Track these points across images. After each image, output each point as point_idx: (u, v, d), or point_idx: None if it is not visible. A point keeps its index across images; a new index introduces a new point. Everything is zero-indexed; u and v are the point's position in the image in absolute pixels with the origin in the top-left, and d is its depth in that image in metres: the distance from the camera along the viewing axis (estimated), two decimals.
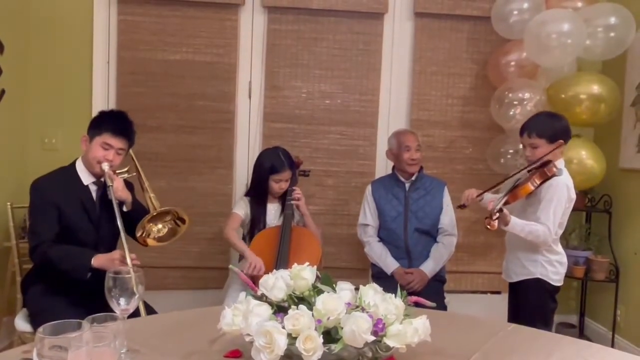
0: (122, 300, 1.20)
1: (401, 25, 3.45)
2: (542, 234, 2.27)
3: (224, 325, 1.18)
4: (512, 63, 3.14)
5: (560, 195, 2.29)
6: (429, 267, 2.78)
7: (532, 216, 2.32)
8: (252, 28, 3.38)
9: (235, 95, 3.39)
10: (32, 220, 2.17)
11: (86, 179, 2.20)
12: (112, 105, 3.25)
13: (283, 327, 1.05)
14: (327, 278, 1.21)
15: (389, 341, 1.09)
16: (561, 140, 2.32)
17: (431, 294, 2.34)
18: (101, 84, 3.29)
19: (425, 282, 2.75)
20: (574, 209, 2.49)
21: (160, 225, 2.25)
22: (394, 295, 1.17)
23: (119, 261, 1.97)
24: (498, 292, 3.50)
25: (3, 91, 2.89)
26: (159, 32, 3.30)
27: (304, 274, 1.18)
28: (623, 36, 2.88)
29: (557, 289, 2.41)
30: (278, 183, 2.67)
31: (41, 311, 2.08)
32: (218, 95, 3.37)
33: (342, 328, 1.06)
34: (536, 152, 2.32)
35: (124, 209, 2.19)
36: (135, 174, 2.34)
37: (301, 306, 1.09)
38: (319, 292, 1.15)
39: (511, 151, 3.16)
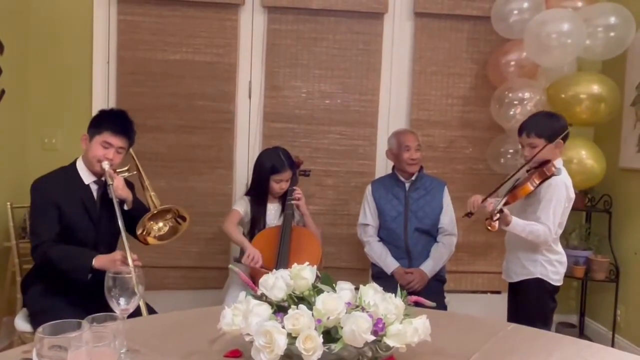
0: (122, 300, 1.21)
1: (401, 25, 3.45)
2: (543, 234, 2.27)
3: (224, 325, 1.18)
4: (512, 63, 3.14)
5: (559, 195, 2.29)
6: (429, 267, 2.78)
7: (532, 216, 2.32)
8: (252, 28, 3.38)
9: (235, 95, 3.39)
10: (32, 220, 2.17)
11: (87, 178, 2.20)
12: (112, 105, 3.25)
13: (283, 327, 1.05)
14: (327, 278, 1.21)
15: (389, 341, 1.09)
16: (560, 140, 2.32)
17: (431, 293, 2.34)
18: (101, 83, 3.30)
19: (425, 282, 2.75)
20: (574, 209, 2.49)
21: (161, 224, 2.25)
22: (394, 295, 1.17)
23: (121, 262, 1.97)
24: (498, 292, 3.50)
25: (3, 91, 2.89)
26: (159, 32, 3.30)
27: (304, 273, 1.18)
28: (623, 36, 2.88)
29: (557, 288, 2.41)
30: (279, 183, 2.67)
31: (41, 311, 2.08)
32: (218, 95, 3.37)
33: (342, 328, 1.06)
34: (535, 152, 2.32)
35: (125, 207, 2.19)
36: (135, 172, 2.34)
37: (301, 306, 1.09)
38: (319, 291, 1.15)
39: (511, 151, 3.16)
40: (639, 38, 2.97)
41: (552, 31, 2.82)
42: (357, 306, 1.12)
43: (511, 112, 3.04)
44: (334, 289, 1.18)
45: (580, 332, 3.48)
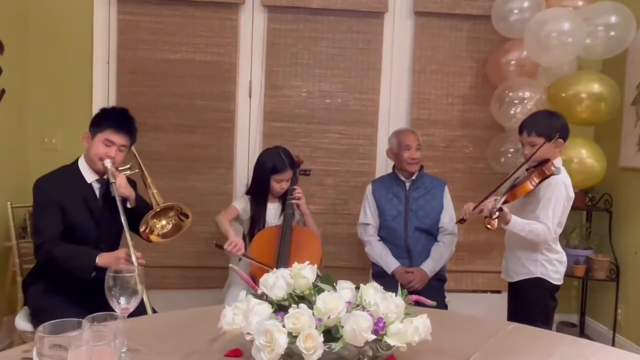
0: (122, 300, 1.20)
1: (401, 24, 3.45)
2: (542, 233, 2.27)
3: (224, 324, 1.18)
4: (513, 62, 3.14)
5: (558, 194, 2.28)
6: (429, 267, 2.78)
7: (531, 215, 2.32)
8: (252, 27, 3.38)
9: (235, 95, 3.39)
10: (35, 219, 2.17)
11: (89, 177, 2.20)
12: (112, 105, 3.25)
13: (283, 326, 1.05)
14: (327, 277, 1.21)
15: (389, 340, 1.09)
16: (560, 139, 2.32)
17: (432, 293, 2.34)
18: (101, 83, 3.30)
19: (426, 282, 2.75)
20: (575, 208, 2.49)
21: (164, 222, 2.25)
22: (394, 294, 1.17)
23: (124, 259, 1.97)
24: (498, 292, 3.50)
25: (3, 91, 2.89)
26: (159, 32, 3.30)
27: (305, 272, 1.17)
28: (623, 35, 2.87)
29: (557, 287, 2.41)
30: (279, 183, 2.67)
31: (42, 309, 2.09)
32: (218, 94, 3.37)
33: (342, 327, 1.06)
34: (534, 150, 2.32)
35: (128, 205, 2.19)
36: (137, 170, 2.34)
37: (302, 305, 1.08)
38: (320, 290, 1.15)
39: (511, 150, 3.16)
40: (639, 37, 2.97)
41: (552, 30, 2.82)
42: (358, 305, 1.12)
43: (511, 112, 3.04)
44: (334, 288, 1.17)
45: (581, 331, 3.48)
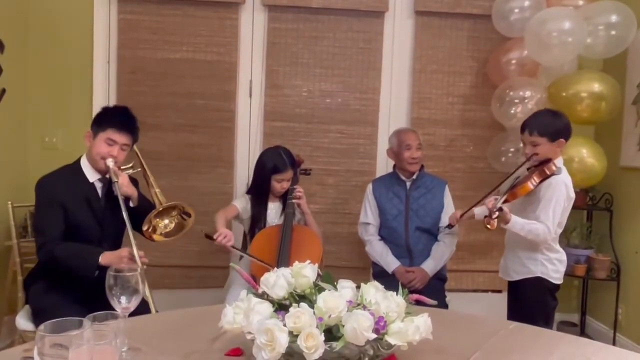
0: (123, 299, 1.21)
1: (401, 24, 3.44)
2: (542, 233, 2.27)
3: (225, 323, 1.18)
4: (513, 61, 3.14)
5: (559, 194, 2.28)
6: (430, 266, 2.78)
7: (531, 215, 2.32)
8: (252, 27, 3.38)
9: (236, 94, 3.39)
10: (38, 218, 2.16)
11: (91, 176, 2.20)
12: (112, 104, 3.24)
13: (284, 325, 1.05)
14: (328, 276, 1.21)
15: (390, 339, 1.09)
16: (562, 139, 2.31)
17: (432, 292, 2.33)
18: (101, 82, 3.30)
19: (426, 281, 2.75)
20: (575, 208, 2.49)
21: (167, 221, 2.25)
22: (395, 293, 1.17)
23: (128, 259, 1.97)
24: (499, 291, 3.49)
25: (4, 90, 2.89)
26: (159, 31, 3.30)
27: (305, 271, 1.17)
28: (624, 34, 2.87)
29: (557, 287, 2.41)
30: (280, 183, 2.66)
31: (43, 309, 2.09)
32: (218, 94, 3.37)
33: (343, 326, 1.06)
34: (536, 150, 2.32)
35: (130, 204, 2.19)
36: (139, 170, 2.34)
37: (302, 304, 1.08)
38: (320, 290, 1.15)
39: (512, 149, 3.16)
40: (639, 36, 2.97)
41: (552, 29, 2.81)
42: (359, 304, 1.12)
43: (512, 111, 3.04)
44: (335, 287, 1.17)
45: (582, 330, 3.48)
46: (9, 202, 2.55)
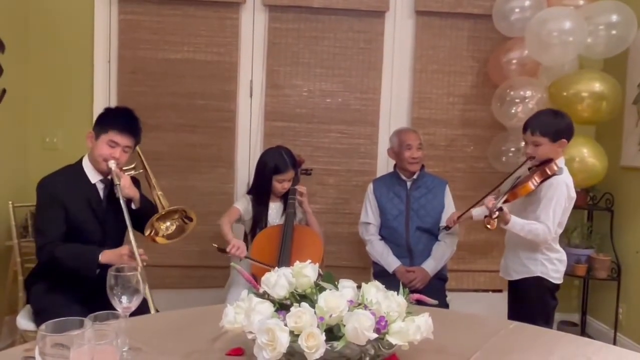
0: (124, 298, 1.21)
1: (402, 24, 3.44)
2: (542, 233, 2.27)
3: (226, 323, 1.18)
4: (514, 61, 3.14)
5: (560, 194, 2.28)
6: (430, 266, 2.78)
7: (532, 215, 2.32)
8: (253, 27, 3.38)
9: (236, 94, 3.39)
10: (39, 219, 2.16)
11: (93, 177, 2.19)
12: (112, 104, 3.25)
13: (285, 325, 1.05)
14: (329, 276, 1.21)
15: (391, 339, 1.09)
16: (564, 140, 2.31)
17: (433, 292, 2.33)
18: (102, 83, 3.30)
19: (427, 281, 2.75)
20: (576, 207, 2.48)
21: (168, 223, 2.25)
22: (396, 293, 1.17)
23: (127, 257, 1.97)
24: (499, 291, 3.49)
25: (4, 91, 2.89)
26: (160, 31, 3.30)
27: (306, 271, 1.17)
28: (625, 34, 2.87)
29: (557, 286, 2.41)
30: (281, 183, 2.67)
31: (44, 308, 2.09)
32: (219, 94, 3.37)
33: (344, 325, 1.06)
34: (538, 150, 2.32)
35: (132, 206, 2.19)
36: (141, 171, 2.34)
37: (303, 304, 1.08)
38: (321, 289, 1.15)
39: (513, 149, 3.16)
40: None
41: (553, 29, 2.81)
42: (360, 304, 1.12)
43: (512, 111, 3.04)
44: (336, 287, 1.17)
45: (582, 330, 3.48)
46: (10, 202, 2.55)
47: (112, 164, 2.12)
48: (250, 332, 1.11)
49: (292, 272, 1.19)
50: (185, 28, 3.32)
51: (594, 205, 3.33)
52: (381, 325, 1.07)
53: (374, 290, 1.16)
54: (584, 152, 3.03)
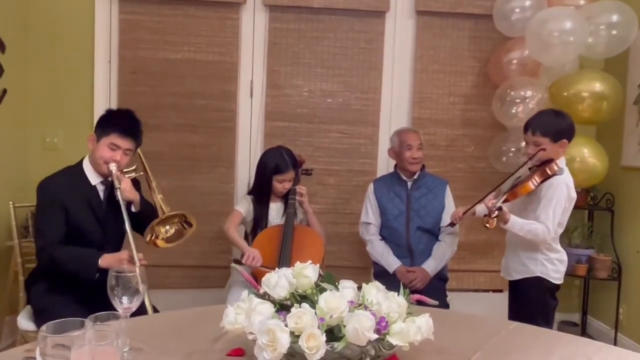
0: (125, 299, 1.21)
1: (403, 24, 3.44)
2: (541, 233, 2.27)
3: (226, 324, 1.18)
4: (514, 61, 3.14)
5: (560, 195, 2.28)
6: (431, 266, 2.78)
7: (531, 214, 2.32)
8: (253, 27, 3.38)
9: (237, 94, 3.39)
10: (39, 220, 2.16)
11: (94, 179, 2.19)
12: (113, 105, 3.25)
13: (286, 325, 1.05)
14: (329, 276, 1.21)
15: (392, 339, 1.09)
16: (565, 140, 2.31)
17: (433, 292, 2.34)
18: (102, 83, 3.30)
19: (427, 281, 2.75)
20: (577, 207, 2.48)
21: (167, 227, 2.26)
22: (396, 293, 1.17)
23: (127, 261, 1.97)
24: (500, 291, 3.49)
25: (5, 91, 2.89)
26: (160, 31, 3.30)
27: (307, 272, 1.18)
28: (625, 34, 2.87)
29: (557, 286, 2.41)
30: (281, 183, 2.67)
31: (45, 309, 2.09)
32: (219, 94, 3.37)
33: (344, 326, 1.06)
34: (538, 150, 2.31)
35: (132, 209, 2.19)
36: (142, 173, 2.33)
37: (304, 304, 1.08)
38: (322, 290, 1.15)
39: (513, 149, 3.16)
40: None
41: (554, 29, 2.81)
42: (360, 304, 1.12)
43: (513, 111, 3.04)
44: (336, 288, 1.17)
45: (583, 330, 3.48)
46: (10, 202, 2.55)
47: (112, 167, 2.12)
48: (251, 333, 1.11)
49: (293, 272, 1.19)
50: (186, 28, 3.32)
51: (594, 205, 3.33)
52: (382, 326, 1.07)
53: (374, 290, 1.16)
54: (585, 152, 3.03)
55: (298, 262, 1.21)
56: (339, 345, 1.05)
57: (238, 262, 2.42)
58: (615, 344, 3.16)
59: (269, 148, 2.90)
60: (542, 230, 2.26)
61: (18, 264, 2.48)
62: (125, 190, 2.12)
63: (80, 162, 2.22)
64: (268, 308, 1.14)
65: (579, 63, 3.14)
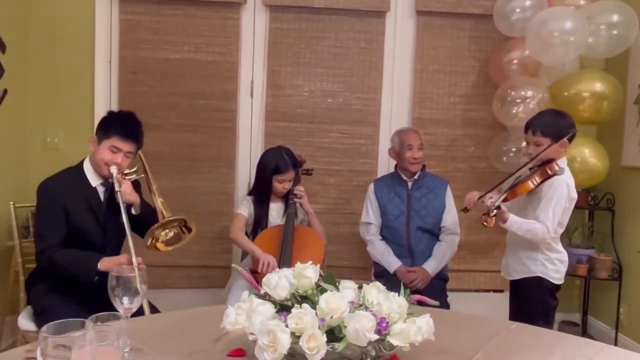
0: (125, 299, 1.21)
1: (403, 24, 3.44)
2: (540, 232, 2.26)
3: (227, 324, 1.18)
4: (515, 61, 3.13)
5: (560, 194, 2.27)
6: (431, 266, 2.78)
7: (532, 214, 2.31)
8: (253, 27, 3.38)
9: (237, 94, 3.39)
10: (39, 222, 2.15)
11: (94, 180, 2.19)
12: (113, 105, 3.25)
13: (286, 326, 1.05)
14: (330, 277, 1.21)
15: (392, 340, 1.09)
16: (565, 140, 2.31)
17: (434, 292, 2.34)
18: (103, 83, 3.30)
19: (428, 281, 2.75)
20: (577, 207, 2.48)
21: (167, 230, 2.26)
22: (397, 293, 1.16)
23: (126, 265, 1.97)
24: (500, 291, 3.49)
25: (5, 91, 2.89)
26: (161, 31, 3.30)
27: (307, 272, 1.17)
28: (626, 34, 2.87)
29: (557, 287, 2.40)
30: (282, 183, 2.67)
31: (45, 309, 2.09)
32: (220, 94, 3.37)
33: (345, 327, 1.06)
34: (539, 150, 2.31)
35: (133, 212, 2.18)
36: (143, 175, 2.33)
37: (304, 305, 1.08)
38: (322, 290, 1.15)
39: (513, 149, 3.16)
40: None
41: (554, 29, 2.81)
42: (361, 305, 1.12)
43: (513, 111, 3.04)
44: (337, 288, 1.17)
45: (583, 330, 3.48)
46: (11, 203, 2.55)
47: (113, 170, 2.11)
48: (252, 333, 1.10)
49: (293, 273, 1.19)
50: (186, 28, 3.32)
51: (595, 205, 3.33)
52: (382, 327, 1.07)
53: (375, 291, 1.16)
54: (585, 152, 3.03)
55: (299, 263, 1.21)
56: (339, 346, 1.05)
57: (254, 271, 2.41)
58: (615, 344, 3.16)
59: (269, 148, 2.90)
60: (542, 229, 2.26)
61: (18, 264, 2.48)
62: (125, 193, 2.12)
63: (81, 164, 2.21)
64: (269, 308, 1.14)
65: (580, 63, 3.14)
